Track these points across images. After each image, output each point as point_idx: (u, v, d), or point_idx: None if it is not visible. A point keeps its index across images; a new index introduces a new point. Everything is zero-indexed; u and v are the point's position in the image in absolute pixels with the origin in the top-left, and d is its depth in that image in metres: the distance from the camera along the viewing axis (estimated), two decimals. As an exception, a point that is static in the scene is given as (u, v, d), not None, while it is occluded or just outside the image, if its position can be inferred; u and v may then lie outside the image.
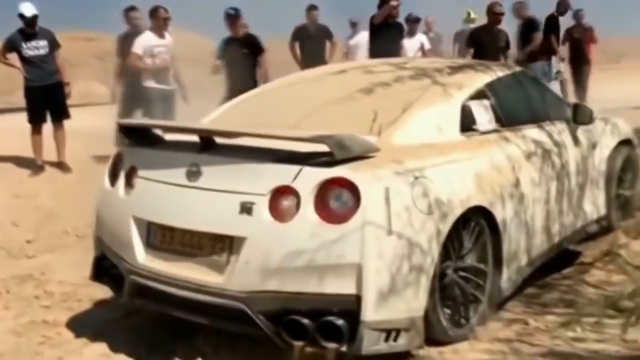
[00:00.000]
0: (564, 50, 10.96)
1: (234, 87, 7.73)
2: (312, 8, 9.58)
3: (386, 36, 8.20)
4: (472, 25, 10.19)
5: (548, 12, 10.63)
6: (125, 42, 8.30)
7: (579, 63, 10.88)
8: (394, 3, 8.20)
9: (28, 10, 7.64)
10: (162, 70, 7.95)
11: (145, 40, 7.89)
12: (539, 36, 9.32)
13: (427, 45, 9.96)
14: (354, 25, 10.88)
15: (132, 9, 8.43)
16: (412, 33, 9.71)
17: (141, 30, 8.22)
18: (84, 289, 4.56)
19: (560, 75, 10.31)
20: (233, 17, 8.13)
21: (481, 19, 9.45)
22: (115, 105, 8.48)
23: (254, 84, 7.92)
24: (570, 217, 4.48)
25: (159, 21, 7.98)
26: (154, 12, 8.01)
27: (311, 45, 9.39)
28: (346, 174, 3.02)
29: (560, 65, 10.38)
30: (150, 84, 7.88)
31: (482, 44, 8.44)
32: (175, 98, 8.08)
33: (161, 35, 7.97)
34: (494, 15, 8.55)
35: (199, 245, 3.28)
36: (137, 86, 7.93)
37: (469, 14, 10.72)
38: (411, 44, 9.52)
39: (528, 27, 9.46)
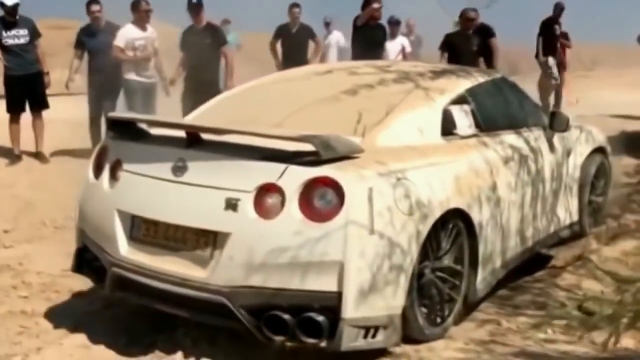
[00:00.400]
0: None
1: (196, 78, 7.72)
2: (293, 6, 9.55)
3: (368, 38, 8.27)
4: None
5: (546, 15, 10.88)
6: (84, 35, 8.16)
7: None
8: (376, 5, 8.28)
9: None
10: (143, 63, 7.93)
11: (127, 33, 7.86)
12: (495, 42, 9.30)
13: (408, 48, 10.07)
14: (327, 25, 10.90)
15: (92, 2, 8.16)
16: (393, 35, 9.79)
17: (101, 24, 8.11)
18: (62, 280, 4.57)
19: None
20: (196, 6, 7.96)
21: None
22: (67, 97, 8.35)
23: (216, 76, 7.94)
24: (544, 222, 4.60)
25: (141, 13, 7.94)
26: (135, 5, 7.97)
27: (292, 44, 9.38)
28: (331, 174, 3.09)
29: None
30: (131, 76, 7.86)
31: (456, 48, 8.63)
32: (157, 91, 8.06)
33: (143, 28, 7.94)
34: (466, 20, 8.74)
35: (183, 240, 3.32)
36: (110, 78, 7.86)
37: None
38: (392, 47, 9.61)
39: (481, 34, 9.57)
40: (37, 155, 7.85)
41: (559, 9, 11.01)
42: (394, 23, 9.96)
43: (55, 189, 6.87)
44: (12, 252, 5.36)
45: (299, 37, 9.49)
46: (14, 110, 7.74)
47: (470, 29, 8.77)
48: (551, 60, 11.05)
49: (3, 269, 4.91)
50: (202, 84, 7.51)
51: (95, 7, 8.07)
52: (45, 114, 7.92)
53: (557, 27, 11.03)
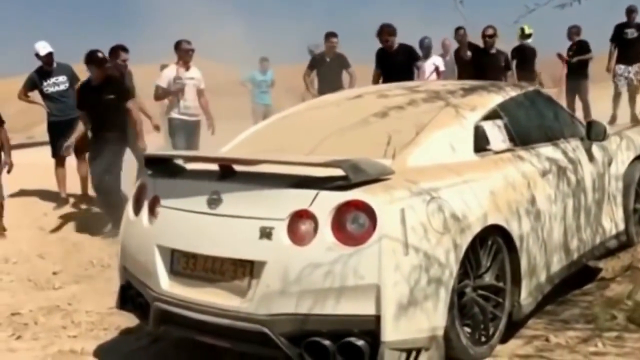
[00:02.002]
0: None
1: (100, 138, 6.93)
2: (329, 35, 9.54)
3: (391, 62, 8.27)
4: (529, 41, 10.36)
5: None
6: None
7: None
8: (386, 37, 8.29)
9: (43, 49, 7.83)
10: (185, 101, 8.01)
11: (170, 73, 8.01)
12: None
13: (442, 67, 10.04)
14: (311, 53, 10.83)
15: (122, 49, 7.74)
16: (426, 56, 9.80)
17: (123, 71, 7.72)
18: (109, 317, 4.66)
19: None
20: (100, 60, 7.00)
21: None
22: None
23: (123, 134, 6.98)
24: (588, 233, 4.50)
25: (181, 53, 8.13)
26: (177, 45, 8.17)
27: (326, 74, 9.36)
28: (362, 197, 3.09)
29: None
30: (174, 114, 8.02)
31: (481, 65, 8.75)
32: (199, 129, 8.17)
33: (186, 68, 8.11)
34: (484, 36, 9.06)
35: (221, 271, 3.35)
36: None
37: (522, 30, 10.49)
38: (426, 66, 9.62)
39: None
40: (83, 197, 8.03)
41: (629, 12, 10.80)
42: (425, 47, 9.96)
43: (101, 229, 7.03)
44: (62, 292, 5.49)
45: (334, 66, 9.46)
46: (59, 155, 7.96)
47: (490, 44, 9.08)
48: (619, 69, 10.84)
49: (53, 310, 5.03)
50: (106, 143, 6.86)
51: (126, 56, 7.72)
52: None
53: (629, 31, 10.80)
